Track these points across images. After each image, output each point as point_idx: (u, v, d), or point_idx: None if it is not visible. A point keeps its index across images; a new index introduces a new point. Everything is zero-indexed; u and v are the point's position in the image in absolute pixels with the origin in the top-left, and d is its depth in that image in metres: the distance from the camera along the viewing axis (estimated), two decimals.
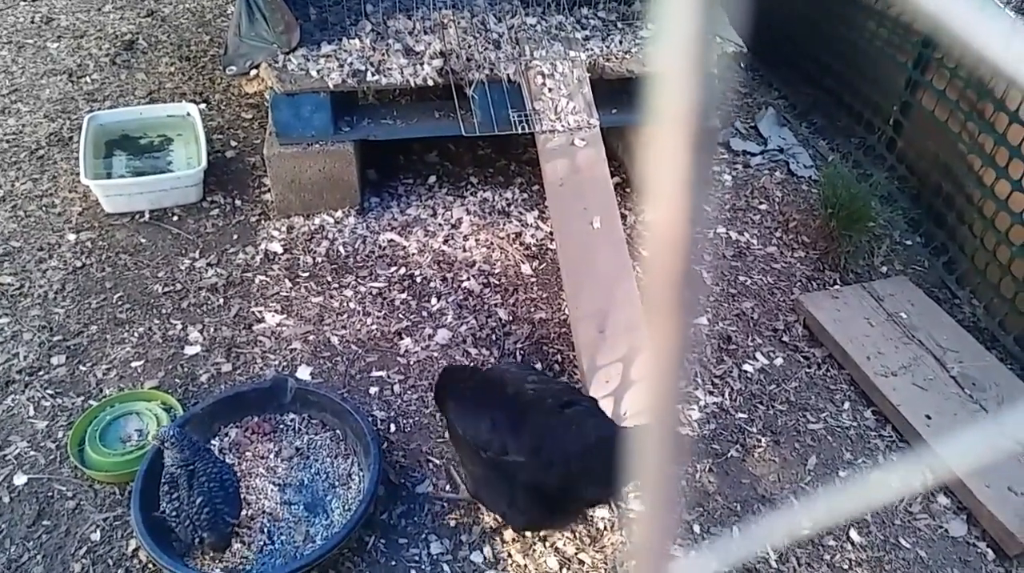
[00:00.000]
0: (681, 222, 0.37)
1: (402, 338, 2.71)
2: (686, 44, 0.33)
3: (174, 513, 1.97)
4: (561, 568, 2.11)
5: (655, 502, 0.47)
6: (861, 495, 0.46)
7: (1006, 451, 0.44)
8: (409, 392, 2.54)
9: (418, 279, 2.92)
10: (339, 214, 3.14)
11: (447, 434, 2.25)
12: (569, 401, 1.97)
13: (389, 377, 2.59)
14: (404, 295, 2.86)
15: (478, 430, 1.95)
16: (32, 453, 2.31)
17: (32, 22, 4.27)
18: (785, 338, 2.82)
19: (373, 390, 2.55)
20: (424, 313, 2.80)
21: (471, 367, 2.49)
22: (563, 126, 2.87)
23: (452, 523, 2.20)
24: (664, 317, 0.40)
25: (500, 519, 2.13)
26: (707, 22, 0.33)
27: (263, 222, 3.12)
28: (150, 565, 2.05)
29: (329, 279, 2.90)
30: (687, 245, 0.37)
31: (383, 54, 2.91)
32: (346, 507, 2.17)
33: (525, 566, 2.11)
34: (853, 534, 2.25)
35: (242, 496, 2.11)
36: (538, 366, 2.59)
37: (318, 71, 2.83)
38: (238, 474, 2.18)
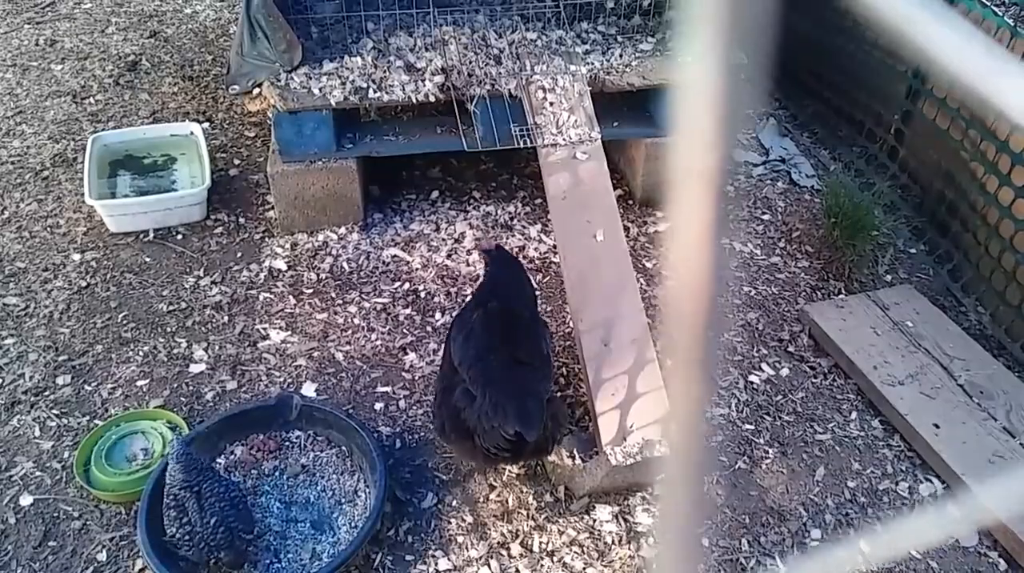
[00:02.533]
0: (706, 276, 0.37)
1: (407, 353, 2.71)
2: (712, 75, 0.33)
3: (186, 537, 1.95)
4: None
5: (678, 522, 0.46)
6: (907, 541, 0.46)
7: None
8: (415, 407, 2.53)
9: (422, 294, 2.93)
10: (342, 230, 3.14)
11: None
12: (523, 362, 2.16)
13: (394, 393, 2.58)
14: (408, 310, 2.86)
15: (456, 339, 2.20)
16: (38, 473, 2.31)
17: (36, 44, 4.30)
18: (791, 348, 2.81)
19: (378, 406, 2.54)
20: (428, 328, 2.80)
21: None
22: (565, 140, 2.88)
23: (459, 539, 2.19)
24: (686, 360, 0.39)
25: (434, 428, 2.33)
26: (730, 51, 0.33)
27: (267, 239, 3.13)
28: None
29: (333, 295, 2.91)
30: (711, 298, 0.37)
31: (385, 71, 2.93)
32: (352, 524, 2.16)
33: None
34: (863, 545, 2.23)
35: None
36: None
37: (320, 89, 2.85)
38: (244, 490, 2.18)
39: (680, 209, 0.36)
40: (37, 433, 2.41)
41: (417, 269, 3.03)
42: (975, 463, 2.34)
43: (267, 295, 2.90)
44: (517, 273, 2.46)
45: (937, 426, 2.45)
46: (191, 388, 2.56)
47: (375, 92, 2.88)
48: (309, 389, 2.57)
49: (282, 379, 2.60)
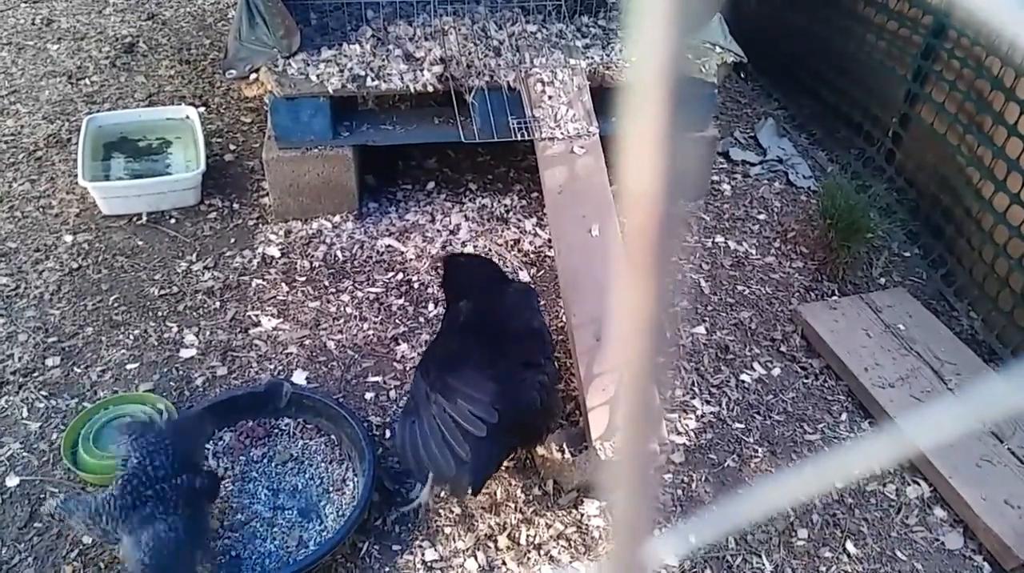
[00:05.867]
0: (656, 187, 0.36)
1: (399, 343, 2.70)
2: (661, 53, 0.33)
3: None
4: None
5: (631, 478, 0.46)
6: (831, 470, 0.46)
7: (969, 429, 0.43)
8: (405, 398, 2.53)
9: (416, 285, 2.92)
10: (337, 219, 3.13)
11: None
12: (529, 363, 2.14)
13: (385, 382, 2.58)
14: (401, 301, 2.86)
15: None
16: (25, 455, 2.29)
17: (33, 24, 4.27)
18: (783, 348, 2.81)
19: (369, 395, 2.54)
20: (421, 319, 2.80)
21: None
22: (562, 134, 2.87)
23: (447, 530, 2.18)
24: (639, 279, 0.39)
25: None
26: (682, 35, 0.32)
27: (261, 226, 3.12)
28: None
29: (326, 284, 2.90)
30: (663, 208, 0.37)
31: (383, 60, 2.91)
32: (340, 513, 2.15)
33: None
34: (849, 546, 2.24)
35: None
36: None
37: (318, 76, 2.83)
38: (218, 474, 2.20)
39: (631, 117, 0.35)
40: (25, 414, 2.40)
41: (411, 260, 3.02)
42: (963, 466, 2.35)
43: (259, 282, 2.88)
44: (475, 266, 2.49)
45: None
46: (181, 373, 2.55)
47: (373, 80, 2.86)
48: (300, 377, 2.56)
49: (273, 366, 2.59)
